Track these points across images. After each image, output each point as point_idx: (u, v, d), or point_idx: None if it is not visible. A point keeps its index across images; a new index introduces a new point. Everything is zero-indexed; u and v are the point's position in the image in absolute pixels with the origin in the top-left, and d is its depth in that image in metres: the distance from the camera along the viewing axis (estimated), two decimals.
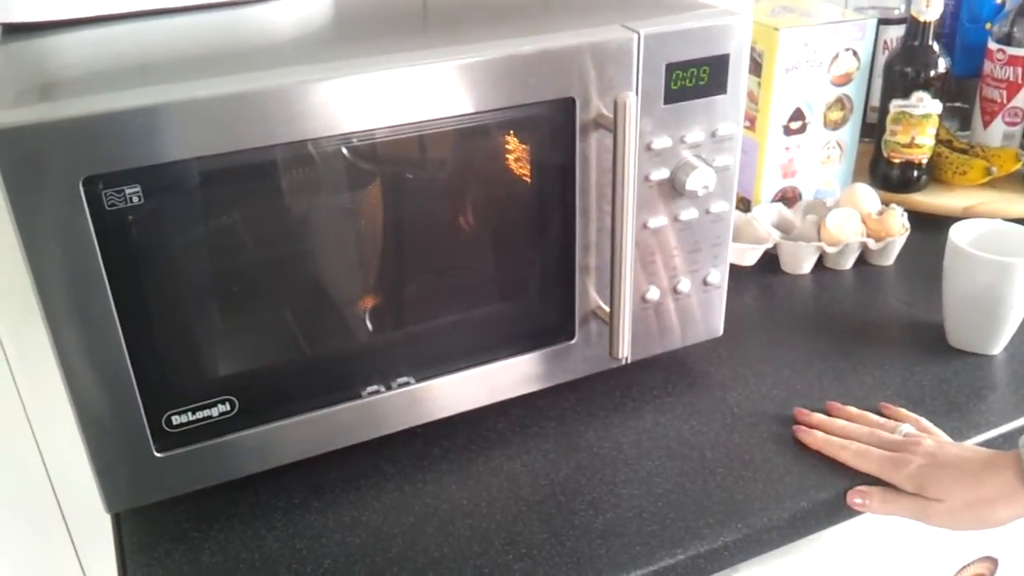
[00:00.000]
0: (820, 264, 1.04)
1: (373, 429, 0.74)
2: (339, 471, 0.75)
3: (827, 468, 0.74)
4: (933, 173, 1.16)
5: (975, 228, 0.88)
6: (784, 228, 1.08)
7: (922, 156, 1.13)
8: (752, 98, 1.07)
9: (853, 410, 0.80)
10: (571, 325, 0.77)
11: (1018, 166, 1.14)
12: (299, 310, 0.69)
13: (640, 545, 0.68)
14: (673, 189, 0.75)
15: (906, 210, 1.05)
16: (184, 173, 0.59)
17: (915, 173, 1.14)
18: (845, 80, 1.08)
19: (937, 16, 1.07)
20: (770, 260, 1.04)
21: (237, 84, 0.58)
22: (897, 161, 1.14)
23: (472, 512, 0.71)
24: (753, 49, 1.04)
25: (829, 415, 0.79)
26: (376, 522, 0.71)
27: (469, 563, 0.67)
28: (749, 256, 1.03)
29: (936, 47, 1.08)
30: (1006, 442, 0.79)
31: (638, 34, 0.68)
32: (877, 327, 0.93)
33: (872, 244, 1.02)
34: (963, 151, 1.18)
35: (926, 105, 1.09)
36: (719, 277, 0.82)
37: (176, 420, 0.66)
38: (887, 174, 1.16)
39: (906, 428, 0.76)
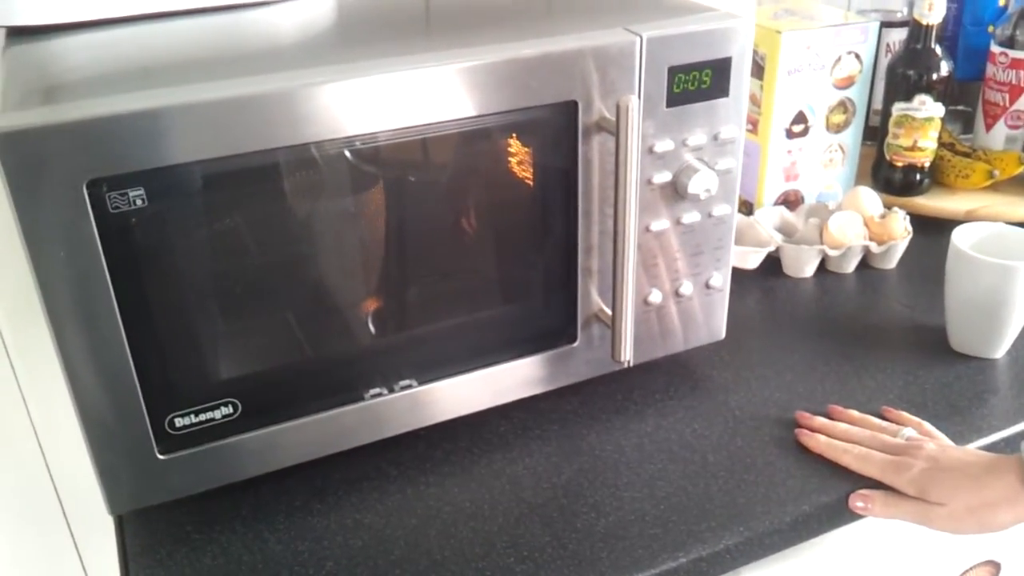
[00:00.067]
0: (822, 267, 1.04)
1: (376, 432, 0.74)
2: (341, 473, 0.75)
3: (829, 472, 0.74)
4: (935, 176, 1.16)
5: (977, 231, 0.88)
6: (786, 231, 1.08)
7: (924, 159, 1.13)
8: (754, 101, 1.07)
9: (855, 414, 0.80)
10: (573, 328, 0.77)
11: (1020, 169, 1.14)
12: (302, 313, 0.69)
13: (642, 548, 0.68)
14: (675, 192, 0.75)
15: (908, 213, 1.05)
16: (187, 176, 0.60)
17: (917, 176, 1.14)
18: (847, 83, 1.08)
19: (940, 19, 1.07)
20: (772, 263, 1.04)
21: (240, 87, 0.58)
22: (899, 164, 1.14)
23: (474, 515, 0.72)
24: (755, 52, 1.04)
25: (831, 419, 0.79)
26: (378, 524, 0.71)
27: (471, 566, 0.67)
28: (751, 259, 1.03)
29: (939, 50, 1.08)
30: (1008, 446, 0.79)
31: (640, 37, 0.68)
32: (879, 330, 0.93)
33: (874, 247, 1.02)
34: (965, 154, 1.18)
35: (928, 108, 1.09)
36: (721, 280, 0.82)
37: (179, 422, 0.66)
38: (889, 177, 1.16)
39: (908, 432, 0.76)
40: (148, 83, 0.60)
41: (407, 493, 0.74)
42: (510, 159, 0.71)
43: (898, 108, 1.11)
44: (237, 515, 0.72)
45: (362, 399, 0.72)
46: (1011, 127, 1.18)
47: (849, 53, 1.07)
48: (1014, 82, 1.15)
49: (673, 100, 0.72)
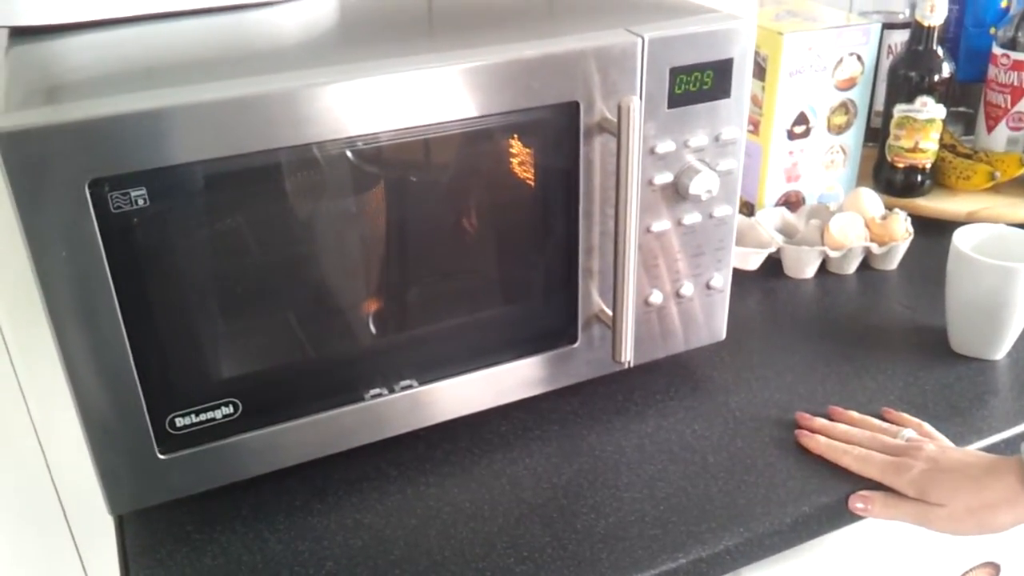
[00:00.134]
0: (823, 268, 1.04)
1: (376, 432, 0.74)
2: (342, 473, 0.76)
3: (829, 473, 0.74)
4: (937, 178, 1.16)
5: (979, 233, 0.88)
6: (787, 232, 1.08)
7: (926, 161, 1.13)
8: (756, 102, 1.07)
9: (855, 415, 0.80)
10: (574, 329, 0.77)
11: (1022, 171, 1.14)
12: (303, 313, 0.69)
13: (642, 549, 0.68)
14: (676, 193, 0.75)
15: (910, 215, 1.05)
16: (189, 176, 0.60)
17: (919, 178, 1.14)
18: (849, 84, 1.08)
19: (941, 21, 1.07)
20: (773, 264, 1.04)
21: (242, 88, 0.59)
22: (901, 166, 1.14)
23: (474, 515, 0.72)
24: (757, 53, 1.04)
25: (831, 420, 0.79)
26: (378, 524, 0.71)
27: (471, 566, 0.67)
28: (752, 260, 1.03)
29: (940, 52, 1.08)
30: (1008, 447, 0.79)
31: (642, 38, 0.68)
32: (880, 332, 0.93)
33: (875, 249, 1.02)
34: (967, 156, 1.18)
35: (930, 110, 1.09)
36: (722, 281, 0.82)
37: (180, 422, 0.66)
38: (891, 179, 1.16)
39: (908, 433, 0.76)
40: (150, 83, 0.60)
41: (407, 493, 0.74)
42: (511, 160, 0.71)
43: (899, 110, 1.11)
44: (237, 515, 0.72)
45: (362, 399, 0.72)
46: (1013, 129, 1.18)
47: (851, 54, 1.07)
48: (1016, 84, 1.15)
49: (675, 101, 0.72)
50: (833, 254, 1.02)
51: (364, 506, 0.73)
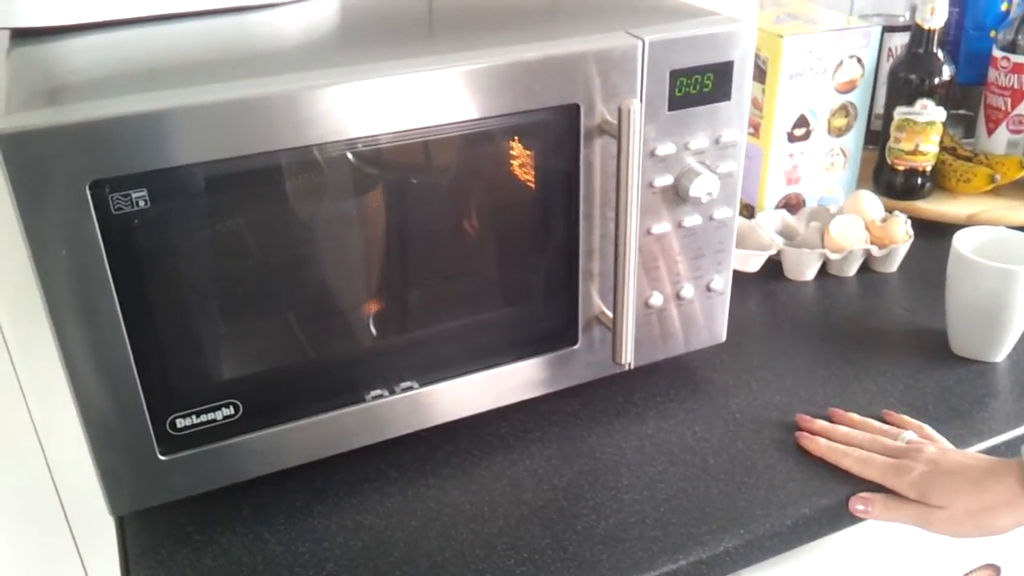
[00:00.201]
0: (823, 271, 1.04)
1: (376, 433, 0.74)
2: (342, 475, 0.76)
3: (829, 475, 0.74)
4: (937, 180, 1.16)
5: (979, 235, 0.88)
6: (788, 235, 1.08)
7: (926, 163, 1.13)
8: (756, 105, 1.07)
9: (856, 417, 0.80)
10: (574, 331, 0.77)
11: (1022, 174, 1.14)
12: (304, 314, 0.69)
13: (642, 551, 0.68)
14: (677, 195, 0.75)
15: (910, 217, 1.05)
16: (190, 177, 0.60)
17: (919, 180, 1.15)
18: (849, 87, 1.09)
19: (942, 24, 1.07)
20: (774, 266, 1.04)
21: (243, 89, 0.59)
22: (901, 168, 1.14)
23: (475, 516, 0.72)
24: (757, 56, 1.04)
25: (832, 422, 0.79)
26: (379, 526, 0.71)
27: (471, 567, 0.67)
28: (753, 262, 1.03)
29: (940, 54, 1.08)
30: (1009, 450, 0.79)
31: (643, 41, 0.69)
32: (880, 334, 0.93)
33: (876, 251, 1.02)
34: (967, 158, 1.18)
35: (930, 112, 1.09)
36: (722, 283, 0.82)
37: (180, 423, 0.66)
38: (891, 181, 1.16)
39: (909, 435, 0.76)
40: (151, 85, 0.60)
41: (407, 495, 0.74)
42: (512, 162, 0.71)
43: (900, 112, 1.11)
44: (238, 516, 0.72)
45: (363, 400, 0.72)
46: (1013, 131, 1.18)
47: (851, 57, 1.07)
48: (1016, 86, 1.15)
49: (675, 103, 0.72)
50: (833, 256, 1.02)
51: (364, 507, 0.73)
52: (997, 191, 1.15)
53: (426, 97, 0.63)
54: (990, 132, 1.20)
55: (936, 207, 1.13)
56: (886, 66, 1.17)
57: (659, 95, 0.71)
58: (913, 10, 1.11)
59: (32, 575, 1.11)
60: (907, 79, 1.10)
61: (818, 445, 0.76)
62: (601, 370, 0.81)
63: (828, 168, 1.13)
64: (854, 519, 0.73)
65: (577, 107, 0.68)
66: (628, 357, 0.76)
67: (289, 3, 0.79)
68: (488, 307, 0.77)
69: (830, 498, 0.72)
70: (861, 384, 0.85)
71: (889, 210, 1.06)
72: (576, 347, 0.78)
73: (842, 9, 1.25)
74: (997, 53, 1.16)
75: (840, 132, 1.11)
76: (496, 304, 0.78)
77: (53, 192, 0.55)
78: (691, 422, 0.81)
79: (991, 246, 0.86)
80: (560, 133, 0.70)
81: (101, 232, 0.57)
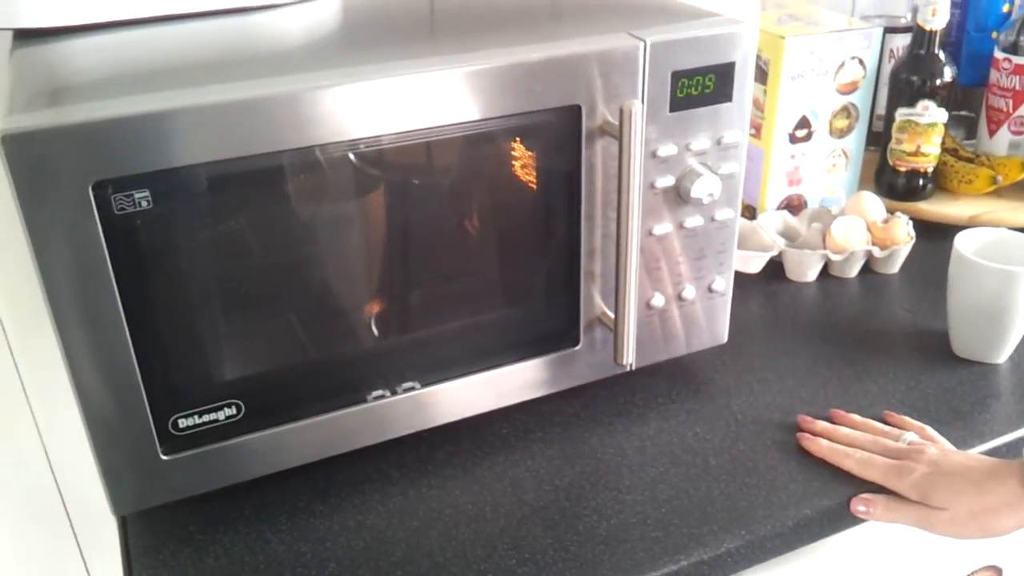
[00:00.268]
0: (825, 272, 1.04)
1: (378, 434, 0.74)
2: (344, 475, 0.76)
3: (831, 476, 0.74)
4: (939, 182, 1.16)
5: (980, 237, 0.88)
6: (789, 236, 1.08)
7: (928, 165, 1.13)
8: (758, 106, 1.07)
9: (857, 418, 0.80)
10: (576, 331, 0.78)
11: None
12: (306, 315, 0.69)
13: (643, 551, 0.68)
14: (678, 196, 0.75)
15: (911, 218, 1.05)
16: (192, 178, 0.60)
17: (920, 181, 1.15)
18: (851, 88, 1.09)
19: (943, 25, 1.07)
20: (775, 268, 1.05)
21: (246, 90, 0.59)
22: (903, 169, 1.14)
23: (476, 517, 0.72)
24: (759, 57, 1.04)
25: (833, 423, 0.80)
26: (380, 526, 0.71)
27: (473, 568, 0.67)
28: (754, 263, 1.03)
29: (942, 56, 1.09)
30: (1010, 451, 0.79)
31: (644, 42, 0.69)
32: (882, 335, 0.93)
33: (877, 252, 1.02)
34: (969, 160, 1.18)
35: (932, 114, 1.09)
36: (724, 284, 0.82)
37: (183, 423, 0.66)
38: (892, 182, 1.16)
39: (910, 436, 0.76)
40: (154, 86, 0.60)
41: (409, 495, 0.74)
42: (514, 163, 0.71)
43: (901, 113, 1.11)
44: (240, 516, 0.72)
45: (365, 401, 0.72)
46: (1015, 133, 1.18)
47: (853, 58, 1.07)
48: (1018, 88, 1.15)
49: (676, 104, 0.72)
50: (835, 257, 1.02)
51: (366, 507, 0.73)
52: (999, 192, 1.15)
53: (428, 98, 0.63)
54: (992, 133, 1.20)
55: (938, 208, 1.13)
56: (888, 67, 1.17)
57: (661, 96, 0.71)
58: (915, 11, 1.11)
59: (35, 574, 1.11)
60: (909, 80, 1.10)
61: (819, 446, 0.76)
62: (603, 371, 0.81)
63: (830, 169, 1.13)
64: (855, 520, 0.73)
65: (579, 108, 0.68)
66: (630, 358, 0.76)
67: (291, 4, 0.79)
68: (490, 307, 0.77)
69: (831, 499, 0.72)
70: (862, 385, 0.85)
71: (891, 211, 1.06)
72: (578, 348, 0.78)
73: (844, 10, 1.25)
74: (999, 54, 1.16)
75: (842, 133, 1.11)
76: (498, 305, 0.78)
77: (56, 192, 0.55)
78: (692, 423, 0.81)
79: (993, 247, 0.86)
80: (562, 134, 0.70)
81: (104, 232, 0.58)
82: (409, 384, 0.73)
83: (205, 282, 0.64)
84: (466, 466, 0.77)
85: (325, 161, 0.64)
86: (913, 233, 1.04)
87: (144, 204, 0.59)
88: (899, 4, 1.24)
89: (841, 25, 1.07)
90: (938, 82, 1.09)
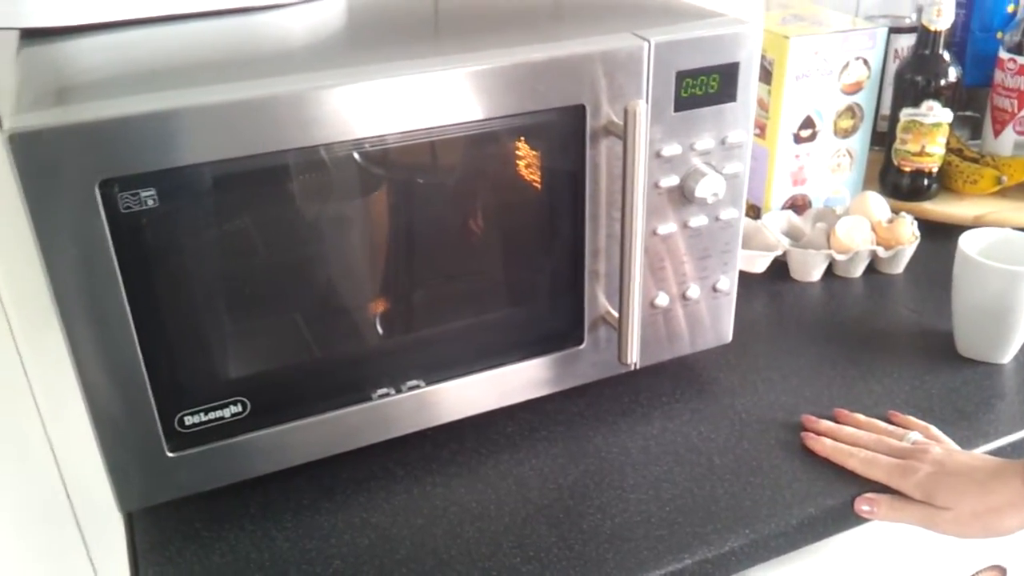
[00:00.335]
0: (830, 272, 1.04)
1: (383, 431, 0.74)
2: (349, 473, 0.76)
3: (835, 475, 0.74)
4: (943, 182, 1.16)
5: (985, 237, 0.88)
6: (794, 235, 1.08)
7: (932, 165, 1.13)
8: (762, 106, 1.07)
9: (861, 417, 0.80)
10: (580, 330, 0.78)
11: None
12: (311, 313, 0.70)
13: (648, 550, 0.68)
14: (683, 196, 0.75)
15: (916, 218, 1.05)
16: (198, 177, 0.60)
17: (925, 182, 1.15)
18: (855, 88, 1.09)
19: (948, 25, 1.07)
20: (780, 267, 1.05)
21: (251, 89, 0.59)
22: (907, 170, 1.14)
23: (480, 515, 0.72)
24: (763, 57, 1.04)
25: (837, 422, 0.80)
26: (385, 524, 0.71)
27: (477, 565, 0.67)
28: (759, 263, 1.03)
29: (947, 56, 1.08)
30: (1015, 451, 0.79)
31: (648, 42, 0.69)
32: (886, 335, 0.93)
33: (882, 252, 1.02)
34: (973, 160, 1.18)
35: (936, 114, 1.09)
36: (728, 284, 0.82)
37: (188, 421, 0.67)
38: (897, 182, 1.16)
39: (914, 436, 0.76)
40: (160, 85, 0.61)
41: (413, 493, 0.74)
42: (518, 162, 0.71)
43: (906, 113, 1.11)
44: (246, 513, 0.73)
45: (370, 399, 0.72)
46: (1019, 133, 1.18)
47: (857, 59, 1.07)
48: (1022, 88, 1.15)
49: (681, 104, 0.72)
50: (839, 257, 1.02)
51: (371, 505, 0.73)
52: (1003, 192, 1.15)
53: (432, 98, 0.63)
54: (996, 133, 1.20)
55: (942, 208, 1.13)
56: (892, 67, 1.17)
57: (665, 96, 0.71)
58: (919, 11, 1.11)
59: (41, 571, 1.11)
60: (913, 80, 1.10)
61: (823, 445, 0.76)
62: (607, 370, 0.81)
63: (834, 169, 1.13)
64: (859, 519, 0.73)
65: (583, 108, 0.68)
66: (634, 357, 0.76)
67: (296, 4, 0.79)
68: (494, 307, 0.78)
69: (835, 498, 0.72)
70: (867, 385, 0.85)
71: (895, 211, 1.06)
72: (582, 347, 0.78)
73: (848, 10, 1.25)
74: (1003, 55, 1.16)
75: (846, 133, 1.11)
76: (502, 304, 0.78)
77: (63, 191, 0.56)
78: (697, 422, 0.81)
79: (997, 247, 0.86)
80: (566, 134, 0.70)
81: (110, 231, 0.58)
82: (414, 383, 0.73)
83: (211, 280, 0.64)
84: (470, 464, 0.77)
85: (330, 160, 0.64)
86: (917, 233, 1.03)
87: (150, 203, 0.59)
88: (904, 4, 1.24)
89: (845, 25, 1.07)
90: (943, 82, 1.09)
